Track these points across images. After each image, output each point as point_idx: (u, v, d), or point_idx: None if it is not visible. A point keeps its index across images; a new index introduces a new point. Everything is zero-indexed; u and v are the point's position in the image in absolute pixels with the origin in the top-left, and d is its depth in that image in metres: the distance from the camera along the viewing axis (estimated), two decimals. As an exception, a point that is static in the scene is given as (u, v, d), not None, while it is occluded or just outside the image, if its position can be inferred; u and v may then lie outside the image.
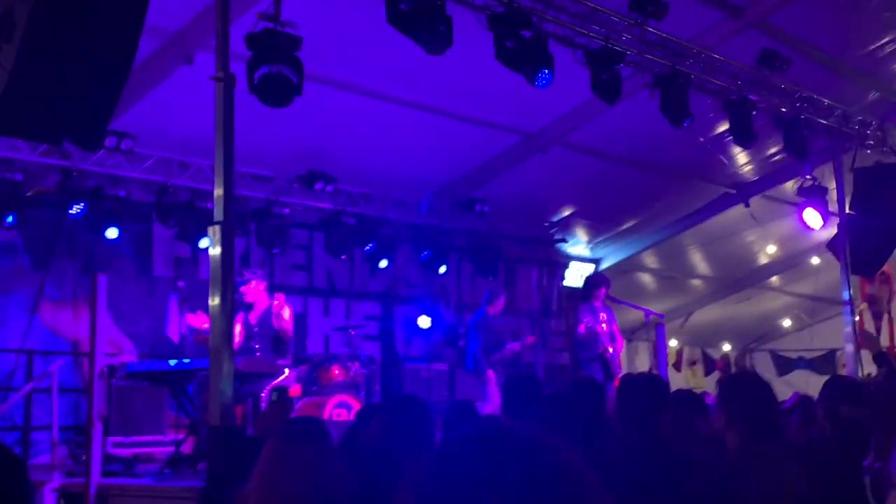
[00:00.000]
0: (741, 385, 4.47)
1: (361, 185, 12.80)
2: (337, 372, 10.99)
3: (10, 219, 9.81)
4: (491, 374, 11.90)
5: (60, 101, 5.57)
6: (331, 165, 11.89)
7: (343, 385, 10.95)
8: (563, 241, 15.58)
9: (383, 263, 13.23)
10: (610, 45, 9.41)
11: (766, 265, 18.76)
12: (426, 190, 13.26)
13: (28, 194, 10.14)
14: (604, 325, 11.98)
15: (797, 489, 3.97)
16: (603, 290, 12.24)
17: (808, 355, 19.82)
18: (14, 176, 9.82)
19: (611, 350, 11.87)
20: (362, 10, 8.64)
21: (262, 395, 9.33)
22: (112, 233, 10.62)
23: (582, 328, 11.86)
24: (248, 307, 9.99)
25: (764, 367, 20.79)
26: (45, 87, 5.51)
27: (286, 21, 7.80)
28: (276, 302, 9.96)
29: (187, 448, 8.94)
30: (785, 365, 20.54)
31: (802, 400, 5.90)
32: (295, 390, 10.37)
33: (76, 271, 11.04)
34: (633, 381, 4.73)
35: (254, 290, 10.00)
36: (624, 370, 11.25)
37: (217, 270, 6.40)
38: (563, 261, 16.37)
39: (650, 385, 4.50)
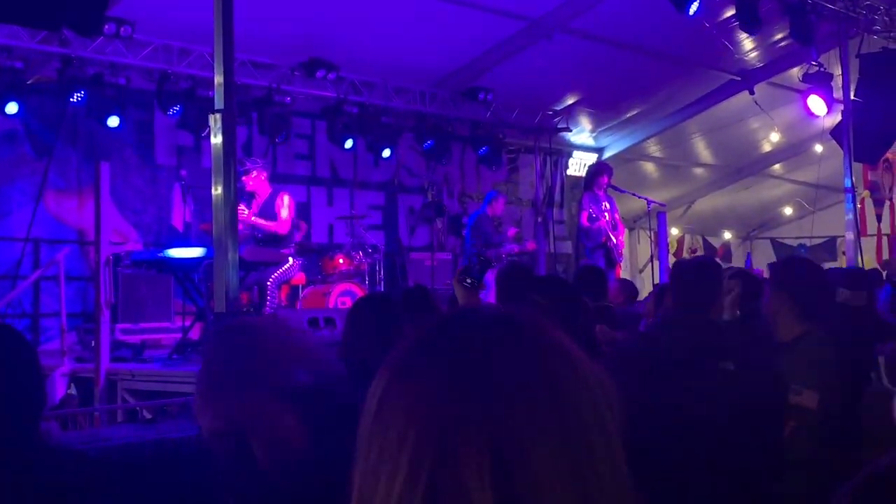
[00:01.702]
0: (798, 268, 4.42)
1: (363, 74, 12.67)
2: (341, 261, 11.09)
3: (11, 106, 9.74)
4: None
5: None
6: (332, 53, 11.75)
7: (347, 274, 11.06)
8: (567, 129, 15.49)
9: (386, 153, 13.19)
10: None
11: (769, 153, 18.69)
12: (429, 78, 13.15)
13: (29, 82, 10.07)
14: (606, 214, 12.04)
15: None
16: (605, 179, 12.27)
17: (808, 243, 19.88)
18: (14, 63, 9.72)
19: (613, 239, 11.96)
20: None
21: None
22: (113, 121, 10.54)
23: (585, 217, 11.91)
24: (250, 196, 10.01)
25: (764, 254, 20.90)
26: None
27: None
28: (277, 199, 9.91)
29: (194, 334, 9.09)
30: (785, 252, 20.59)
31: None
32: (299, 279, 10.48)
33: (79, 160, 11.03)
34: (687, 266, 4.73)
35: (255, 179, 10.01)
36: (625, 258, 11.33)
37: (219, 159, 6.38)
38: (567, 150, 16.32)
39: (705, 269, 4.47)
